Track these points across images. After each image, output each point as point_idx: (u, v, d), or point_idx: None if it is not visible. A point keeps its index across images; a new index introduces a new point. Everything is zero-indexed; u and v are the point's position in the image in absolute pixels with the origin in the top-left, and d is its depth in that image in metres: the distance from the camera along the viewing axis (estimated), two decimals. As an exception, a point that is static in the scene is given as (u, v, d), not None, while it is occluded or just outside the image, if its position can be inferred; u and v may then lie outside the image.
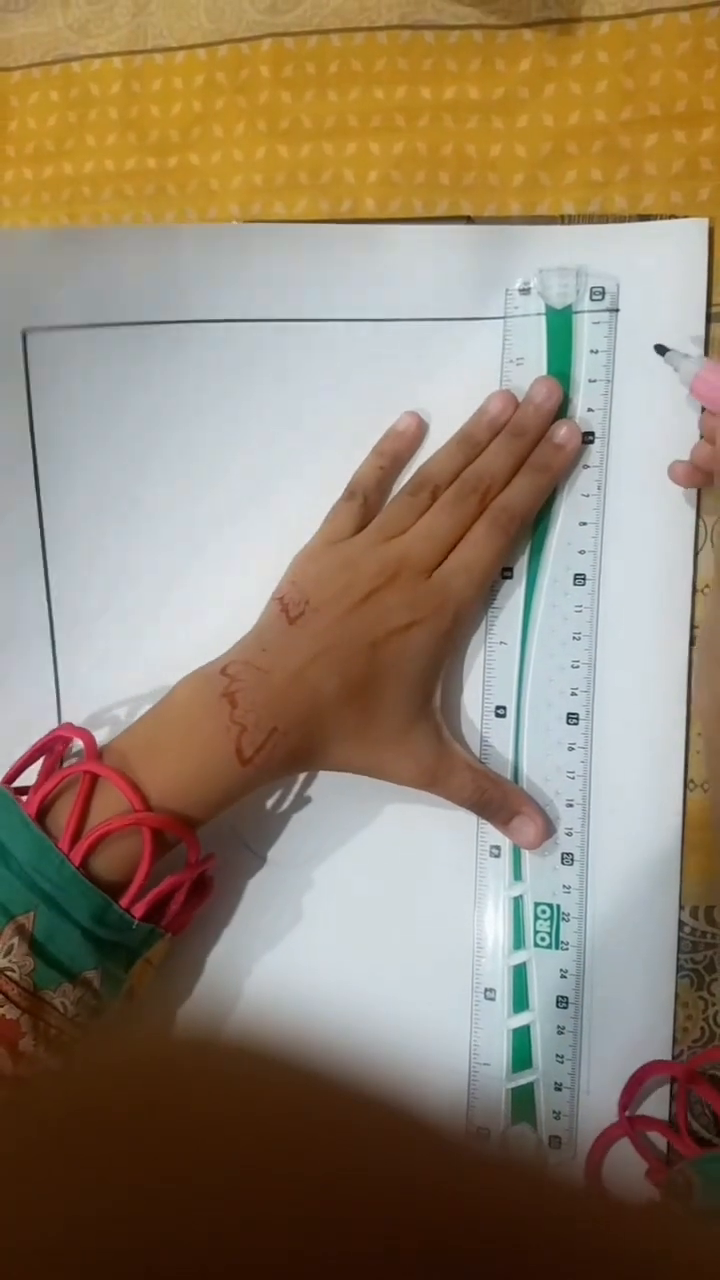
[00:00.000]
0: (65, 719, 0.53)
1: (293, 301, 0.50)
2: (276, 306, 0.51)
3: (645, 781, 0.47)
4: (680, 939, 0.46)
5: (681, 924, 0.46)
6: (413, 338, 0.49)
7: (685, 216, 0.47)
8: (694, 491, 0.46)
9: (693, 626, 0.46)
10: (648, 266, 0.47)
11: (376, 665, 0.44)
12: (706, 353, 0.46)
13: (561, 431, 0.47)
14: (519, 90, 0.49)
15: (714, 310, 0.46)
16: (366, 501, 0.48)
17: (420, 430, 0.49)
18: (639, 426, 0.47)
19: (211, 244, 0.52)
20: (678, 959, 0.46)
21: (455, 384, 0.49)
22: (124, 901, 0.42)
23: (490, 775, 0.47)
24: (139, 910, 0.42)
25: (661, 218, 0.47)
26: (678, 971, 0.46)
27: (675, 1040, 0.46)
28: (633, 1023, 0.47)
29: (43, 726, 0.47)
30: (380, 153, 0.51)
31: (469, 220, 0.49)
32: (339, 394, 0.50)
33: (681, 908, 0.46)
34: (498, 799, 0.47)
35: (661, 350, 0.45)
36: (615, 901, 0.47)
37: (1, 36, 0.58)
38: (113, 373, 0.53)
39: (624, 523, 0.47)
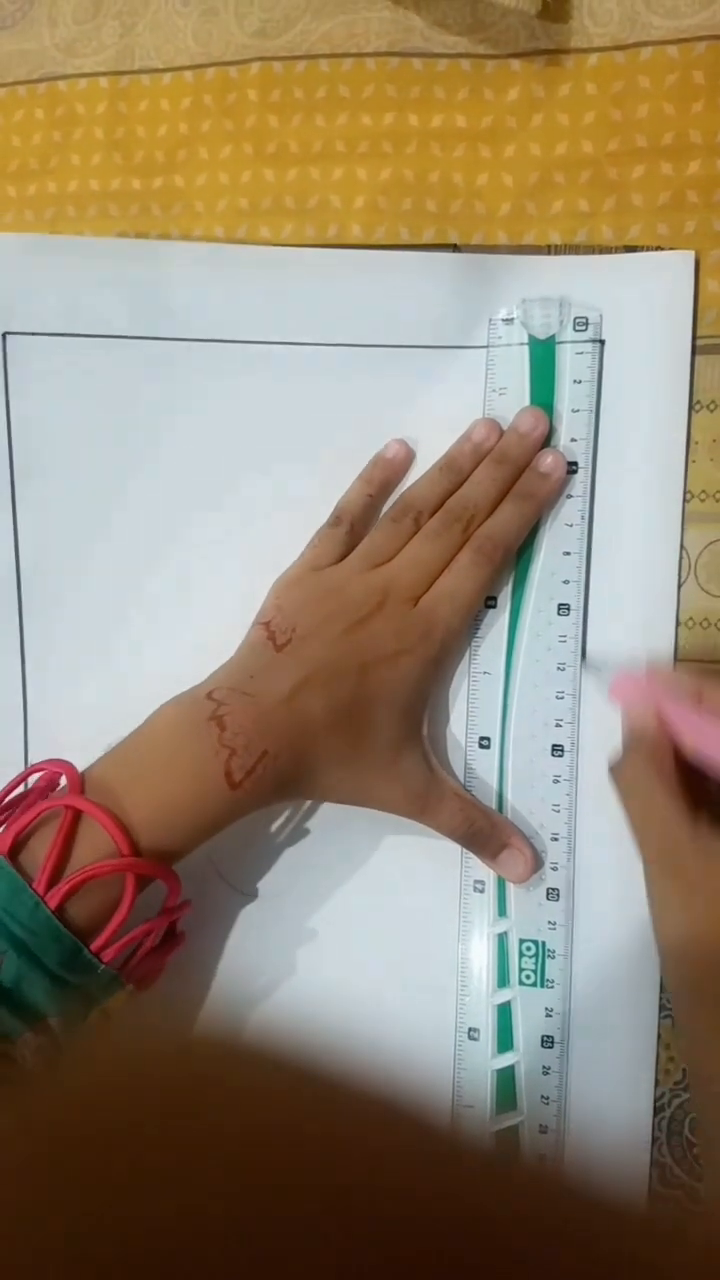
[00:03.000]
0: (32, 744, 0.54)
1: (276, 324, 0.52)
2: (260, 328, 0.52)
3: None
4: (663, 979, 0.47)
5: (664, 962, 0.47)
6: (396, 364, 0.51)
7: (671, 249, 0.48)
8: (677, 522, 0.48)
9: (676, 659, 0.48)
10: (633, 298, 0.48)
11: (365, 692, 0.45)
12: (692, 388, 0.48)
13: (547, 460, 0.48)
14: (507, 119, 0.51)
15: (699, 343, 0.48)
16: (353, 529, 0.49)
17: (408, 458, 0.51)
18: (623, 457, 0.48)
19: (196, 262, 0.53)
20: (660, 999, 0.47)
21: (438, 412, 0.50)
22: (95, 945, 0.41)
23: (479, 806, 0.48)
24: (109, 955, 0.41)
25: (648, 249, 0.49)
26: (660, 1011, 0.47)
27: (657, 1082, 0.47)
28: (616, 1064, 0.47)
29: (6, 751, 0.48)
30: (367, 179, 0.52)
31: (455, 248, 0.51)
32: (321, 418, 0.52)
33: (664, 946, 0.47)
34: (486, 830, 0.47)
35: (584, 658, 0.48)
36: (599, 939, 0.48)
37: (-13, 54, 0.59)
38: (93, 384, 0.54)
39: (608, 553, 0.48)
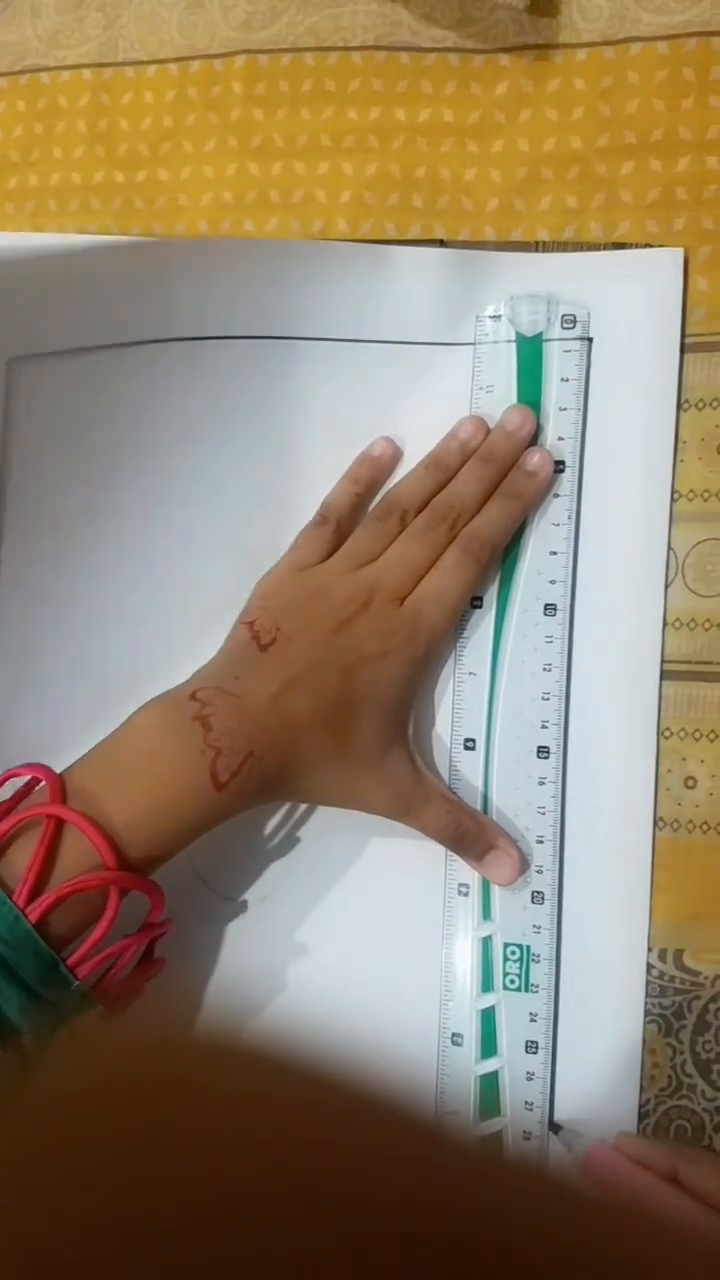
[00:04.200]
0: (11, 746, 0.54)
1: (262, 319, 0.52)
2: (244, 324, 0.52)
3: (615, 818, 0.48)
4: (649, 983, 0.47)
5: (650, 967, 0.47)
6: (383, 360, 0.51)
7: (660, 245, 0.48)
8: (665, 521, 0.48)
9: (663, 660, 0.48)
10: (622, 295, 0.48)
11: (351, 693, 0.45)
12: (680, 387, 0.48)
13: (534, 459, 0.48)
14: (495, 114, 0.51)
15: (688, 341, 0.48)
16: (338, 528, 0.49)
17: (395, 456, 0.50)
18: (610, 455, 0.48)
19: (180, 258, 0.53)
20: (646, 1004, 0.47)
21: (425, 409, 0.50)
22: (71, 960, 0.40)
23: (465, 808, 0.48)
24: (84, 970, 0.40)
25: (636, 246, 0.49)
26: (645, 1017, 0.47)
27: (642, 1089, 0.47)
28: (600, 1069, 0.47)
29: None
30: (353, 173, 0.52)
31: (442, 244, 0.51)
32: (307, 415, 0.52)
33: (650, 950, 0.47)
34: (473, 832, 0.47)
35: (555, 1129, 0.47)
36: (584, 942, 0.48)
37: (-32, 44, 0.59)
38: (87, 392, 0.54)
39: (595, 553, 0.48)
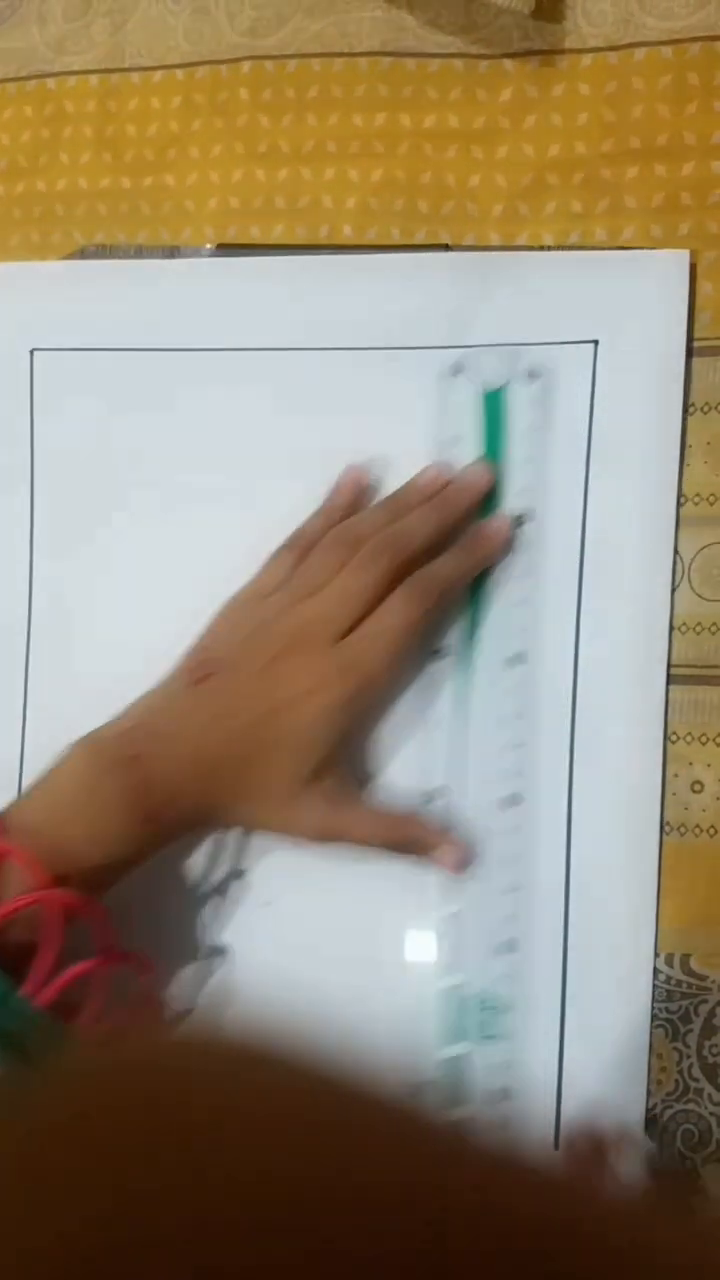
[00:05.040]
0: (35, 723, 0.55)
1: (275, 331, 0.53)
2: (255, 336, 0.53)
3: (623, 822, 0.48)
4: (655, 987, 0.47)
5: (657, 972, 0.47)
6: (388, 366, 0.51)
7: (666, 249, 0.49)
8: (672, 525, 0.48)
9: (670, 665, 0.48)
10: (627, 298, 0.49)
11: (274, 730, 0.46)
12: (688, 391, 0.48)
13: (493, 524, 0.49)
14: (500, 120, 0.51)
15: (695, 345, 0.48)
16: (301, 557, 0.49)
17: (365, 484, 0.51)
18: (617, 458, 0.49)
19: (194, 277, 0.54)
20: (652, 1008, 0.47)
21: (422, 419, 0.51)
22: (27, 987, 0.40)
23: (397, 818, 0.49)
24: (45, 997, 0.41)
25: (642, 250, 0.49)
26: (652, 1021, 0.47)
27: (649, 1093, 0.47)
28: (607, 1074, 0.48)
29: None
30: (359, 179, 0.53)
31: (447, 248, 0.51)
32: (314, 425, 0.52)
33: (657, 955, 0.47)
34: (409, 839, 0.48)
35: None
36: (590, 948, 0.48)
37: (-25, 51, 0.60)
38: (110, 396, 0.55)
39: (602, 557, 0.49)
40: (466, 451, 0.50)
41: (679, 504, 0.48)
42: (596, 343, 0.49)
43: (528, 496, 0.49)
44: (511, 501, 0.50)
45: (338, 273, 0.52)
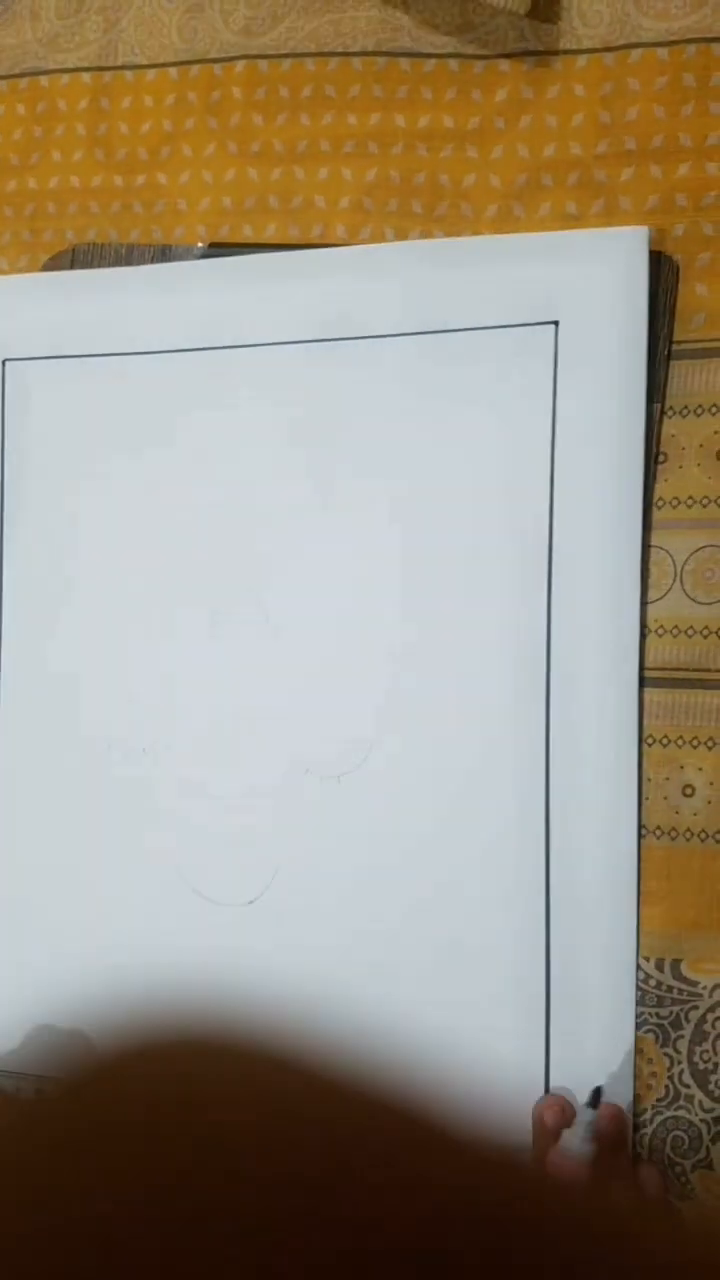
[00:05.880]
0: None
1: (235, 327, 0.53)
2: (228, 334, 0.53)
3: (601, 827, 0.48)
4: (646, 993, 0.47)
5: (647, 977, 0.47)
6: (340, 358, 0.52)
7: (657, 249, 0.49)
8: (638, 526, 0.48)
9: (659, 667, 0.48)
10: (587, 277, 0.49)
11: None
12: (663, 398, 0.48)
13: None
14: (495, 120, 0.51)
15: (684, 347, 0.48)
16: None
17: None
18: (580, 436, 0.49)
19: (167, 281, 0.54)
20: (643, 1014, 0.47)
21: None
22: None
23: None
24: None
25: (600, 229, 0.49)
26: (642, 1026, 0.47)
27: (638, 1099, 0.47)
28: (594, 1080, 0.48)
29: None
30: (353, 179, 0.53)
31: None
32: (272, 422, 0.53)
33: (646, 959, 0.47)
34: None
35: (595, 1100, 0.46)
36: (574, 952, 0.48)
37: (-32, 47, 0.60)
38: (82, 396, 0.55)
39: (571, 557, 0.49)
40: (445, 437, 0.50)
41: (649, 489, 0.48)
42: (557, 324, 0.49)
43: (495, 486, 0.50)
44: (488, 491, 0.50)
45: (292, 267, 0.53)
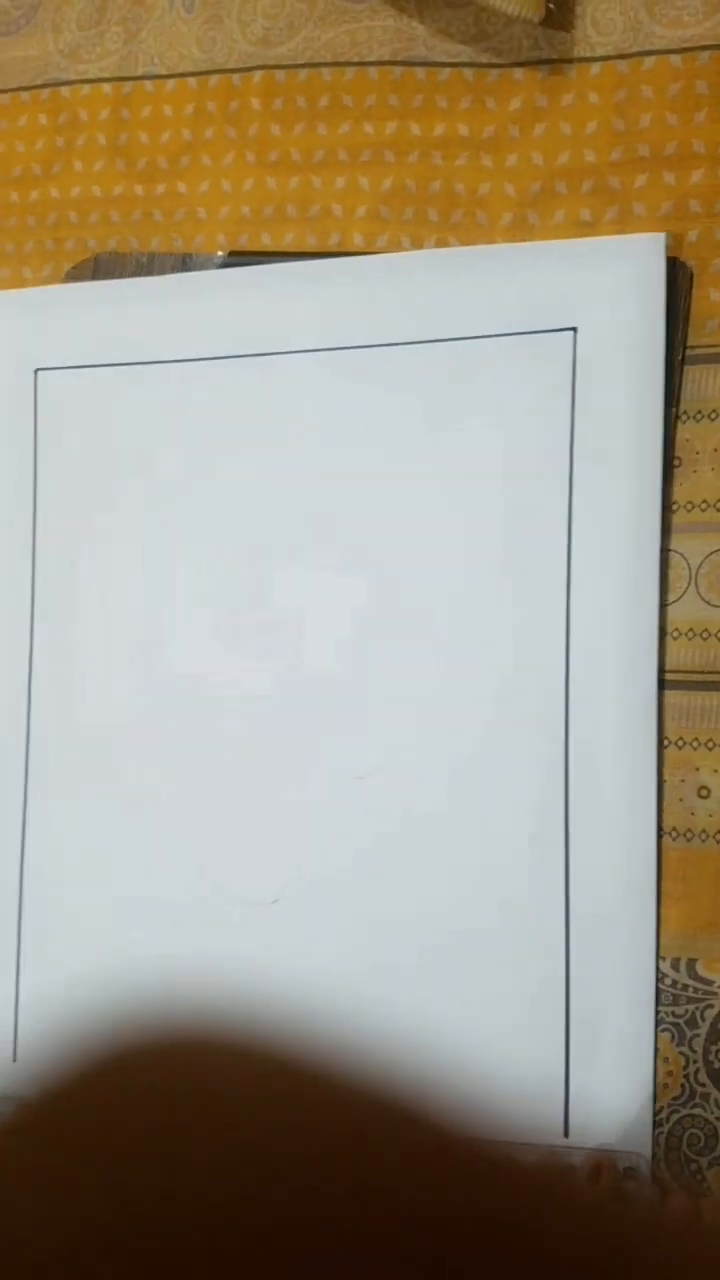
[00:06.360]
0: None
1: (259, 337, 0.54)
2: (252, 343, 0.54)
3: (621, 827, 0.49)
4: (662, 992, 0.48)
5: (663, 976, 0.48)
6: (357, 367, 0.52)
7: (673, 257, 0.50)
8: (656, 529, 0.49)
9: (674, 670, 0.49)
10: (604, 283, 0.50)
11: None
12: (677, 403, 0.49)
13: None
14: (509, 129, 0.52)
15: (699, 352, 0.49)
16: None
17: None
18: (598, 437, 0.50)
19: (192, 289, 0.56)
20: (659, 1013, 0.48)
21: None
22: None
23: None
24: None
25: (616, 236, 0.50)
26: (659, 1025, 0.48)
27: (655, 1097, 0.48)
28: (613, 1078, 0.48)
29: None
30: (369, 187, 0.54)
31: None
32: (304, 427, 0.53)
33: (663, 959, 0.48)
34: None
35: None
36: (594, 952, 0.49)
37: (-9, 60, 0.61)
38: (112, 403, 0.57)
39: (590, 552, 0.50)
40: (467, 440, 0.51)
41: (666, 489, 0.49)
42: (575, 330, 0.50)
43: (513, 491, 0.50)
44: (507, 495, 0.51)
45: (311, 275, 0.54)
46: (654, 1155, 0.48)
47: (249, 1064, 0.19)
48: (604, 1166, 0.46)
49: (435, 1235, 0.15)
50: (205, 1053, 0.19)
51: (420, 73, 0.53)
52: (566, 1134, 0.48)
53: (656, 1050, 0.48)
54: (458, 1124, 0.18)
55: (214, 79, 0.57)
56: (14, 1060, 0.55)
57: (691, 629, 0.49)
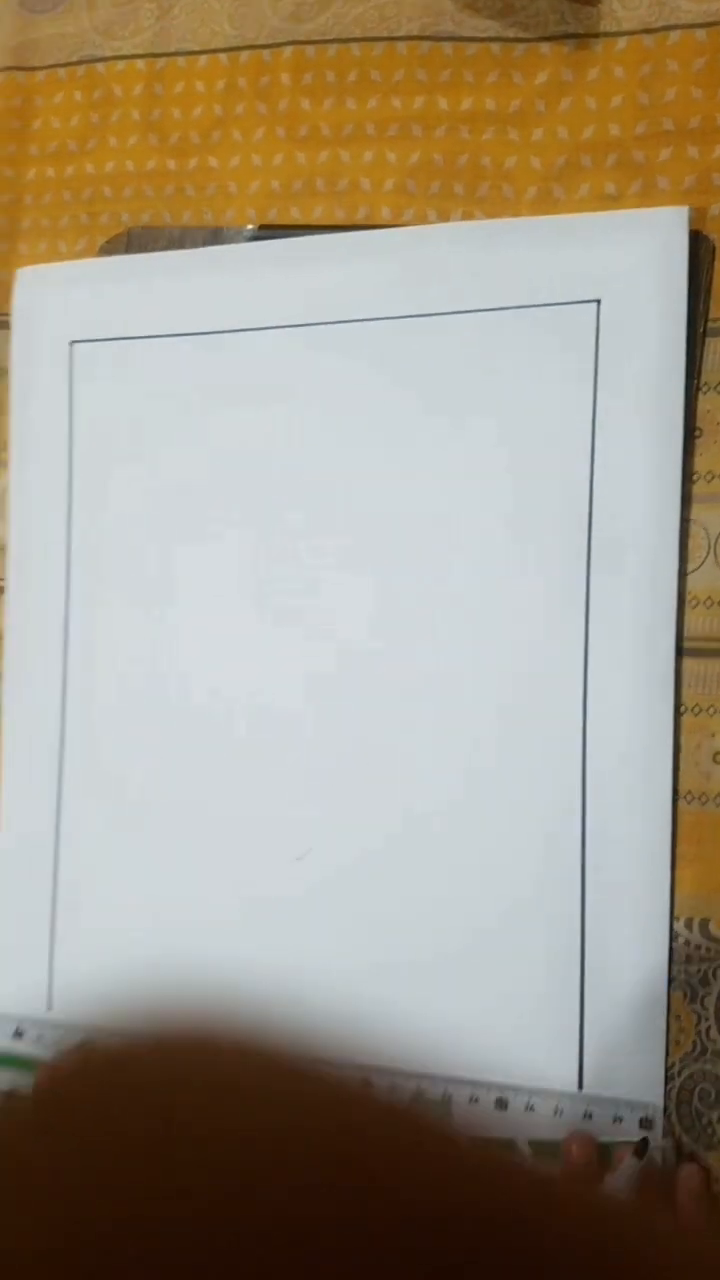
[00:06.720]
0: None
1: (299, 307, 0.55)
2: (286, 314, 0.55)
3: (637, 790, 0.50)
4: (674, 950, 0.49)
5: (676, 935, 0.49)
6: (373, 338, 0.54)
7: (696, 230, 0.50)
8: (677, 496, 0.50)
9: (692, 637, 0.50)
10: (628, 256, 0.50)
11: None
12: (698, 374, 0.50)
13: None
14: (535, 103, 0.53)
15: (712, 325, 0.50)
16: None
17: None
18: (620, 412, 0.51)
19: (225, 262, 0.57)
20: (671, 971, 0.49)
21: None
22: None
23: None
24: None
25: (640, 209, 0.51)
26: (671, 984, 0.49)
27: (667, 1053, 0.49)
28: (627, 1034, 0.50)
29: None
30: (397, 161, 0.55)
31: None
32: (351, 396, 0.55)
33: (676, 918, 0.49)
34: None
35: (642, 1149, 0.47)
36: (609, 912, 0.51)
37: (28, 37, 0.62)
38: (145, 376, 0.58)
39: (610, 527, 0.51)
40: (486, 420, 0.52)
41: (687, 448, 0.50)
42: (599, 302, 0.51)
43: (536, 461, 0.52)
44: (530, 465, 0.52)
45: (340, 249, 0.55)
46: (665, 1108, 0.49)
47: (249, 1062, 0.19)
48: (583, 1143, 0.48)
49: (435, 1235, 0.15)
50: (205, 1051, 0.19)
51: (448, 48, 0.54)
52: (581, 1086, 0.50)
53: (669, 1007, 0.49)
54: (460, 1131, 0.19)
55: (245, 55, 0.58)
56: (49, 1010, 0.58)
57: (710, 598, 0.50)
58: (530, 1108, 0.50)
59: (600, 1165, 0.47)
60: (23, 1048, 0.55)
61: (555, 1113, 0.50)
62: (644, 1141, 0.46)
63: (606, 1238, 0.17)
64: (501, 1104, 0.50)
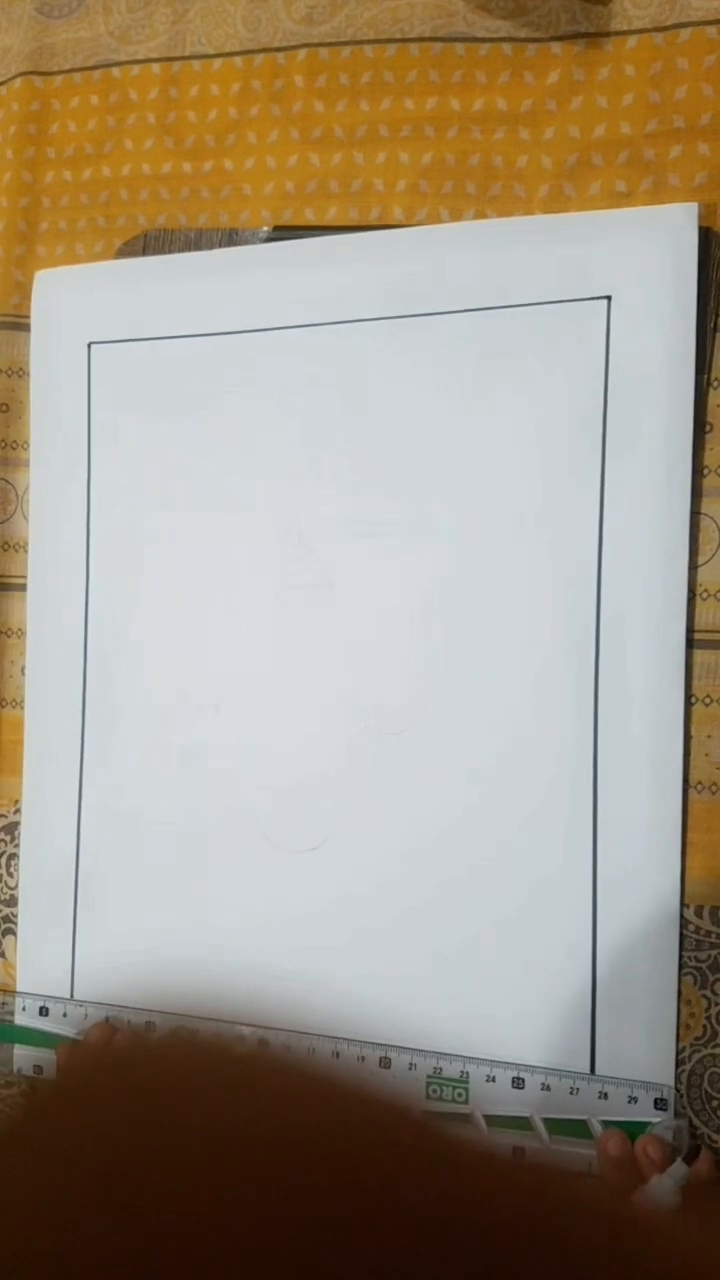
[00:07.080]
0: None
1: (307, 307, 0.56)
2: (301, 313, 0.56)
3: (648, 779, 0.51)
4: (685, 937, 0.50)
5: (686, 922, 0.50)
6: (385, 335, 0.55)
7: (705, 225, 0.51)
8: (687, 487, 0.51)
9: (704, 630, 0.51)
10: (638, 252, 0.51)
11: None
12: (709, 369, 0.51)
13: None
14: (547, 102, 0.54)
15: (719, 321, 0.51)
16: None
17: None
18: (632, 407, 0.52)
19: (241, 263, 0.58)
20: (682, 957, 0.50)
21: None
22: None
23: None
24: None
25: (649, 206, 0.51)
26: (681, 969, 0.50)
27: (678, 1036, 0.50)
28: (638, 1018, 0.51)
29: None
30: (410, 162, 0.56)
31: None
32: (361, 396, 0.56)
33: (686, 905, 0.50)
34: None
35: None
36: (620, 898, 0.52)
37: (45, 41, 0.63)
38: (163, 376, 0.59)
39: (622, 520, 0.52)
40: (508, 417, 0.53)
41: (698, 453, 0.50)
42: (610, 299, 0.52)
43: (548, 455, 0.52)
44: (542, 460, 0.53)
45: (353, 249, 0.56)
46: (675, 1090, 0.50)
47: (248, 1062, 0.19)
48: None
49: (435, 1236, 0.15)
50: (203, 1050, 0.19)
51: (460, 48, 0.55)
52: (593, 1070, 0.51)
53: (679, 993, 0.50)
54: (455, 1130, 0.18)
55: (259, 58, 0.59)
56: (71, 994, 0.59)
57: None
58: (546, 1087, 0.51)
59: (633, 1161, 0.48)
60: (48, 1025, 0.59)
61: (571, 1092, 0.51)
62: (696, 1148, 0.47)
63: (608, 1238, 0.17)
64: (518, 1083, 0.52)
